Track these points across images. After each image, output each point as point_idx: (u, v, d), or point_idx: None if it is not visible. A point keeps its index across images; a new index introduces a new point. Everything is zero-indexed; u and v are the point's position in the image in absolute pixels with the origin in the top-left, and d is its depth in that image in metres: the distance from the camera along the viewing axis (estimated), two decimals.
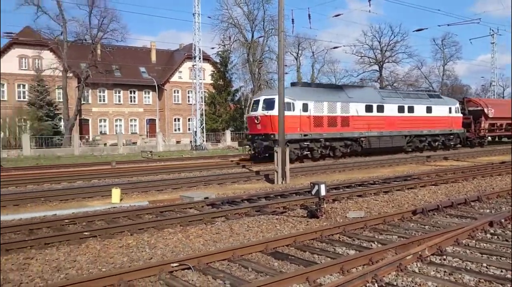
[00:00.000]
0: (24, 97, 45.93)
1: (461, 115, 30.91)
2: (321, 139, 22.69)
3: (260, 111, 21.91)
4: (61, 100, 43.92)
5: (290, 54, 59.62)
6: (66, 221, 8.87)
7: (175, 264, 5.66)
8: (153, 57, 58.83)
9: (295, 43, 59.44)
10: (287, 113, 20.40)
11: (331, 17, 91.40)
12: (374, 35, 60.70)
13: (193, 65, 42.52)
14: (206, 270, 5.64)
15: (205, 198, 11.16)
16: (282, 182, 14.53)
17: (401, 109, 26.66)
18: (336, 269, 5.44)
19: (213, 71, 51.57)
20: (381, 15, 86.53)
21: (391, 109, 26.02)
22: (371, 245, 6.84)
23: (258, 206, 10.10)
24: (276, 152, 14.82)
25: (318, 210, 8.74)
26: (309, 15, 27.18)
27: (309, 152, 22.63)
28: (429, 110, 28.37)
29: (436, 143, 29.13)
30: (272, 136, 20.49)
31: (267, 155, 21.48)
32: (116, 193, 11.50)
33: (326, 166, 19.46)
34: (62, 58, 41.35)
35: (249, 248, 6.49)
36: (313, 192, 8.69)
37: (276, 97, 20.48)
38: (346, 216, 8.93)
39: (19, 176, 17.76)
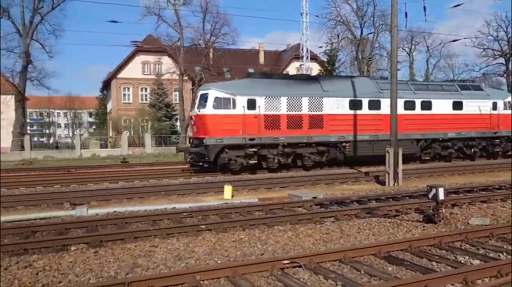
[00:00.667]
0: (146, 100, 50.35)
1: None
2: (278, 145, 18.14)
3: (195, 110, 18.39)
4: (178, 101, 47.24)
5: (402, 49, 56.67)
6: (184, 214, 9.50)
7: (286, 261, 5.73)
8: (261, 59, 60.31)
9: (408, 37, 56.33)
10: (225, 111, 17.23)
11: (449, 8, 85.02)
12: (500, 25, 54.83)
13: (300, 65, 42.73)
14: (317, 270, 5.61)
15: (313, 197, 11.13)
16: (394, 184, 13.89)
17: (409, 105, 20.60)
18: (458, 279, 5.04)
19: (321, 70, 51.17)
20: (507, 2, 77.95)
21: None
22: (499, 255, 6.20)
23: (368, 208, 9.79)
24: (388, 152, 14.21)
25: (436, 215, 8.17)
26: (424, 7, 25.76)
27: (257, 161, 18.04)
28: (458, 105, 21.98)
29: (472, 150, 22.59)
30: (203, 140, 17.16)
31: (201, 163, 18.12)
32: (228, 189, 12.01)
33: (443, 169, 18.15)
34: (179, 63, 44.42)
35: (361, 250, 6.31)
36: (430, 195, 8.15)
37: (210, 91, 17.47)
38: (468, 223, 8.23)
39: (143, 171, 19.52)
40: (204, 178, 16.76)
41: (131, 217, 9.32)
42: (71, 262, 6.11)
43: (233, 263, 5.84)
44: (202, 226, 8.16)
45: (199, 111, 17.77)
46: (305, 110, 18.59)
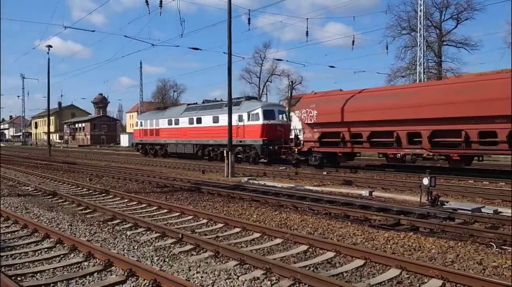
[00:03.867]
0: None
1: (260, 122, 26.06)
2: (147, 144, 36.44)
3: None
4: None
5: None
6: None
7: None
8: None
9: None
10: (137, 127, 38.58)
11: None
12: None
13: None
14: None
15: None
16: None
17: (191, 121, 31.75)
18: None
19: None
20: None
21: (184, 122, 32.45)
22: None
23: None
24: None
25: None
26: None
27: (144, 151, 37.19)
28: (215, 120, 29.04)
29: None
30: None
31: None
32: None
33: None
34: None
35: None
36: None
37: (138, 118, 38.52)
38: None
39: None
40: None
41: None
42: None
43: None
44: None
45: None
46: (154, 126, 36.13)
